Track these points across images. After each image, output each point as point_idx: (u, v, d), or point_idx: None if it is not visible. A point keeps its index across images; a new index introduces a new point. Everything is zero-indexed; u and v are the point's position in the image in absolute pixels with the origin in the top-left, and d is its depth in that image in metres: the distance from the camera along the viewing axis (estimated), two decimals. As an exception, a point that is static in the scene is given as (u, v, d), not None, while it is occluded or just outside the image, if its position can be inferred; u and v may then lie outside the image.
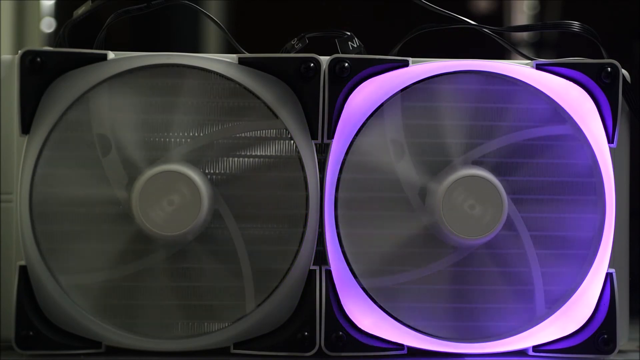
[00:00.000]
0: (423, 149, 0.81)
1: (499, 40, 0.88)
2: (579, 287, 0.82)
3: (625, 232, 0.84)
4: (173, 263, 0.80)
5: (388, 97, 0.81)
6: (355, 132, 0.81)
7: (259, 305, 0.80)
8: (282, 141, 0.81)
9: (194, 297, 0.80)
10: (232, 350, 0.80)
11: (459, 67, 0.81)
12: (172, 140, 0.80)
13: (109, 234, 0.79)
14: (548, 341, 0.82)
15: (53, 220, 0.79)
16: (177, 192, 0.78)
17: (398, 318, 0.81)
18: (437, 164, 0.81)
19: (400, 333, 0.81)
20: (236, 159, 0.81)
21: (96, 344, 0.80)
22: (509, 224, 0.81)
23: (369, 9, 1.58)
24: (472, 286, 0.81)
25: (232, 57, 0.81)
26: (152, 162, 0.79)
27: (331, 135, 0.81)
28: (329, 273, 0.81)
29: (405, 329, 0.81)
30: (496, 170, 0.81)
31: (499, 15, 1.63)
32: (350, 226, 0.81)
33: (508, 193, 0.80)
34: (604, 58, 0.83)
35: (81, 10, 0.84)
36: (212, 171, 0.80)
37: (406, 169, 0.81)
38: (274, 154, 0.81)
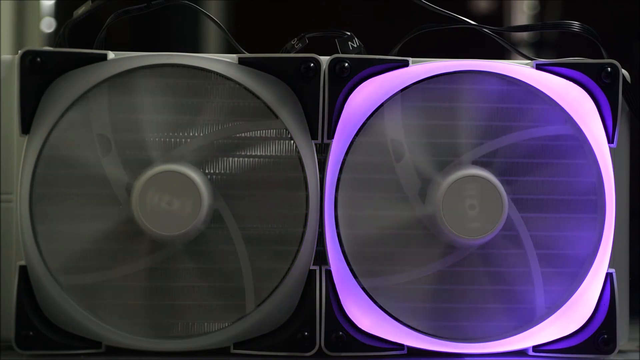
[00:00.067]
0: (423, 149, 0.81)
1: (499, 40, 0.88)
2: (579, 287, 0.82)
3: (625, 232, 0.84)
4: (173, 263, 0.80)
5: (388, 97, 0.81)
6: (355, 132, 0.81)
7: (259, 305, 0.80)
8: (282, 141, 0.81)
9: (194, 297, 0.80)
10: (232, 350, 0.80)
11: (459, 67, 0.81)
12: (172, 140, 0.80)
13: (109, 234, 0.79)
14: (548, 341, 0.82)
15: (53, 220, 0.79)
16: (177, 192, 0.78)
17: (398, 318, 0.81)
18: (437, 164, 0.81)
19: (400, 333, 0.81)
20: (236, 159, 0.81)
21: (96, 344, 0.80)
22: (509, 224, 0.81)
23: (369, 9, 1.58)
24: (472, 286, 0.81)
25: (232, 57, 0.81)
26: (152, 162, 0.79)
27: (331, 135, 0.81)
28: (329, 273, 0.81)
29: (405, 329, 0.81)
30: (496, 170, 0.81)
31: (499, 15, 1.63)
32: (350, 226, 0.81)
33: (508, 193, 0.80)
34: (604, 58, 0.83)
35: (81, 10, 0.84)
36: (212, 171, 0.80)
37: (406, 169, 0.81)
38: (274, 154, 0.81)
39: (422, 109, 0.81)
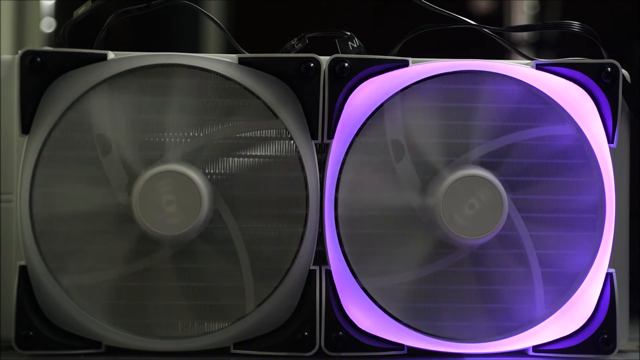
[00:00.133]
0: (423, 149, 0.81)
1: (499, 40, 0.88)
2: (579, 287, 0.82)
3: (625, 232, 0.84)
4: (173, 263, 0.80)
5: (388, 97, 0.81)
6: (355, 132, 0.81)
7: (259, 305, 0.80)
8: (282, 141, 0.81)
9: (194, 297, 0.80)
10: (232, 350, 0.80)
11: (459, 67, 0.81)
12: (172, 140, 0.80)
13: (109, 234, 0.79)
14: (548, 341, 0.82)
15: (53, 220, 0.79)
16: (177, 192, 0.78)
17: (398, 318, 0.81)
18: (437, 164, 0.81)
19: (400, 333, 0.81)
20: (236, 159, 0.81)
21: (96, 344, 0.80)
22: (509, 224, 0.81)
23: (369, 9, 1.58)
24: (472, 286, 0.81)
25: (232, 57, 0.81)
26: (152, 162, 0.79)
27: (331, 135, 0.81)
28: (329, 273, 0.81)
29: (405, 329, 0.81)
30: (496, 170, 0.81)
31: (499, 15, 1.63)
32: (350, 226, 0.81)
33: (508, 193, 0.80)
34: (604, 58, 0.83)
35: (81, 10, 0.84)
36: (212, 171, 0.80)
37: (406, 169, 0.81)
38: (274, 154, 0.81)
39: (422, 109, 0.81)
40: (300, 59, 0.80)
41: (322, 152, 0.81)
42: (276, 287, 0.80)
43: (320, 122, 0.80)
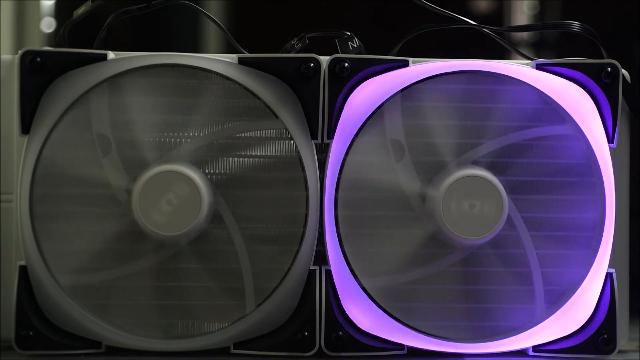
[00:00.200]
0: (423, 149, 0.81)
1: (499, 40, 0.88)
2: (579, 287, 0.82)
3: (625, 232, 0.84)
4: (173, 263, 0.80)
5: (388, 97, 0.81)
6: (355, 132, 0.81)
7: (259, 305, 0.80)
8: (282, 141, 0.81)
9: (194, 297, 0.80)
10: (232, 350, 0.80)
11: (459, 67, 0.81)
12: (172, 140, 0.80)
13: (109, 234, 0.79)
14: (548, 341, 0.82)
15: (53, 220, 0.79)
16: (177, 192, 0.78)
17: (398, 318, 0.81)
18: (437, 163, 0.81)
19: (400, 333, 0.81)
20: (236, 159, 0.81)
21: (96, 344, 0.80)
22: (509, 224, 0.81)
23: (369, 9, 1.58)
24: (472, 286, 0.81)
25: (232, 57, 0.81)
26: (152, 162, 0.79)
27: (331, 135, 0.81)
28: (329, 273, 0.81)
29: (405, 329, 0.81)
30: (496, 170, 0.81)
31: (499, 15, 1.63)
32: (350, 226, 0.81)
33: (508, 193, 0.80)
34: (604, 58, 0.83)
35: (81, 10, 0.84)
36: (212, 171, 0.80)
37: (406, 169, 0.81)
38: (274, 154, 0.81)
39: (422, 109, 0.81)
40: (300, 59, 0.80)
41: (322, 152, 0.81)
42: (276, 287, 0.80)
43: (320, 122, 0.80)
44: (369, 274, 0.81)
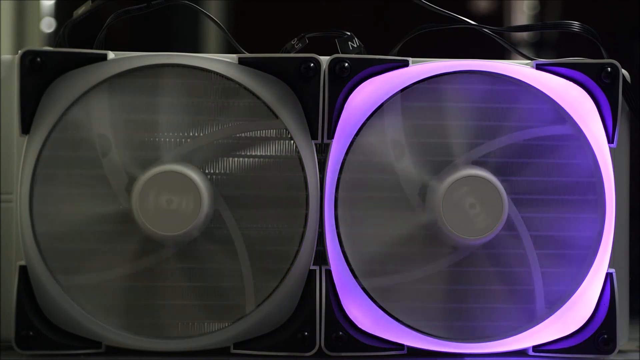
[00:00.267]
0: (423, 149, 0.81)
1: (499, 40, 0.88)
2: (579, 287, 0.82)
3: (625, 232, 0.84)
4: (173, 263, 0.80)
5: (388, 97, 0.81)
6: (355, 132, 0.81)
7: (259, 305, 0.80)
8: (282, 141, 0.81)
9: (194, 297, 0.80)
10: (232, 350, 0.80)
11: (459, 67, 0.81)
12: (172, 140, 0.80)
13: (109, 234, 0.79)
14: (548, 341, 0.82)
15: (53, 220, 0.79)
16: (177, 192, 0.78)
17: (398, 318, 0.81)
18: (437, 163, 0.81)
19: (400, 333, 0.81)
20: (236, 159, 0.81)
21: (96, 344, 0.80)
22: (509, 224, 0.81)
23: (369, 9, 1.58)
24: (472, 286, 0.81)
25: (232, 57, 0.81)
26: (152, 162, 0.79)
27: (331, 135, 0.81)
28: (329, 273, 0.81)
29: (405, 329, 0.81)
30: (496, 170, 0.81)
31: (499, 15, 1.63)
32: (350, 226, 0.81)
33: (508, 193, 0.80)
34: (604, 58, 0.83)
35: (81, 10, 0.84)
36: (212, 171, 0.80)
37: (406, 169, 0.81)
38: (274, 154, 0.81)
39: (422, 109, 0.81)
40: (300, 59, 0.80)
41: (322, 152, 0.81)
42: (276, 287, 0.80)
43: (320, 122, 0.80)
44: (369, 274, 0.81)
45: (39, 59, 0.79)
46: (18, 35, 1.54)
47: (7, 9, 1.51)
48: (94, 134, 0.80)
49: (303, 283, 0.80)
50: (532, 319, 0.82)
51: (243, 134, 0.80)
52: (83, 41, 0.83)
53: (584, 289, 0.82)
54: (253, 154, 0.81)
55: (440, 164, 0.81)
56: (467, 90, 0.81)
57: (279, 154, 0.81)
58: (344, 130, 0.81)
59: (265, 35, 1.18)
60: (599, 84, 0.81)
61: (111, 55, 0.81)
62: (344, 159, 0.81)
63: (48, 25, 1.55)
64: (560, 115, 0.82)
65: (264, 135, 0.81)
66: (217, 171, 0.80)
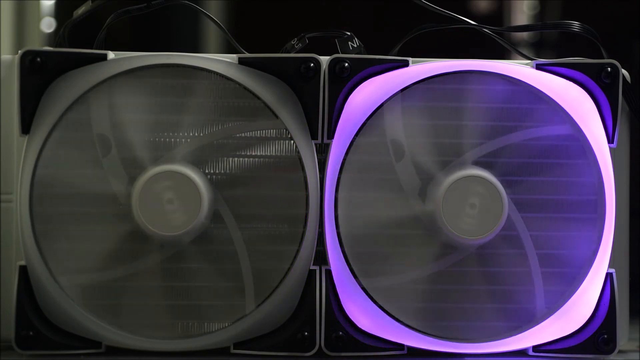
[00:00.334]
0: (423, 149, 0.81)
1: (499, 40, 0.88)
2: (579, 287, 0.82)
3: (625, 232, 0.84)
4: (173, 263, 0.80)
5: (388, 97, 0.81)
6: (355, 132, 0.81)
7: (259, 305, 0.80)
8: (282, 141, 0.81)
9: (194, 297, 0.80)
10: (232, 350, 0.80)
11: (459, 67, 0.81)
12: (172, 140, 0.80)
13: (109, 234, 0.79)
14: (548, 341, 0.82)
15: (53, 220, 0.79)
16: (177, 192, 0.78)
17: (398, 318, 0.81)
18: (437, 164, 0.81)
19: (400, 333, 0.81)
20: (236, 159, 0.81)
21: (96, 344, 0.80)
22: (509, 224, 0.81)
23: (369, 9, 1.58)
24: (472, 286, 0.81)
25: (232, 57, 0.81)
26: (152, 162, 0.79)
27: (331, 135, 0.81)
28: (329, 273, 0.81)
29: (405, 329, 0.81)
30: (496, 170, 0.81)
31: (499, 15, 1.63)
32: (350, 226, 0.81)
33: (508, 193, 0.80)
34: (604, 58, 0.83)
35: (81, 10, 0.84)
36: (212, 171, 0.80)
37: (406, 169, 0.81)
38: (274, 154, 0.81)
39: (422, 109, 0.81)
40: (300, 59, 0.80)
41: (322, 152, 0.81)
42: (276, 287, 0.80)
43: (320, 122, 0.80)
44: (369, 274, 0.81)
45: (39, 59, 0.79)
46: (18, 35, 1.54)
47: (7, 9, 1.51)
48: (94, 134, 0.80)
49: (303, 283, 0.80)
50: (532, 319, 0.82)
51: (243, 134, 0.80)
52: (83, 41, 0.83)
53: (584, 289, 0.82)
54: (253, 154, 0.81)
55: (441, 164, 0.81)
56: (466, 90, 0.81)
57: (279, 154, 0.81)
58: (344, 130, 0.81)
59: (265, 35, 1.18)
60: (599, 84, 0.81)
61: (111, 55, 0.81)
62: (344, 159, 0.81)
63: (48, 25, 1.55)
64: (560, 115, 0.82)
65: (264, 135, 0.81)
66: (217, 171, 0.80)
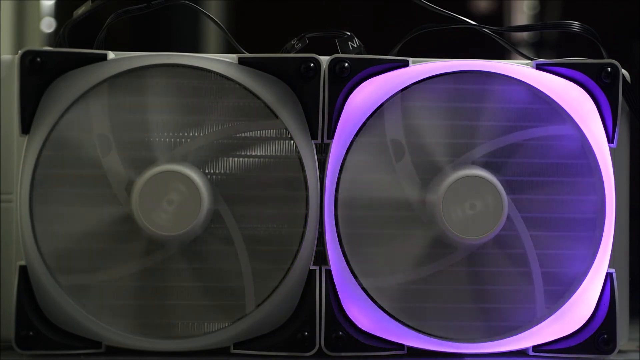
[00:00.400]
0: (423, 149, 0.81)
1: (499, 40, 0.88)
2: (579, 287, 0.82)
3: (625, 232, 0.84)
4: (173, 263, 0.80)
5: (388, 97, 0.81)
6: (355, 132, 0.81)
7: (259, 305, 0.80)
8: (282, 141, 0.81)
9: (194, 297, 0.80)
10: (232, 350, 0.80)
11: (459, 67, 0.81)
12: (172, 140, 0.80)
13: (109, 234, 0.79)
14: (548, 341, 0.82)
15: (53, 220, 0.79)
16: (177, 192, 0.78)
17: (398, 318, 0.81)
18: (437, 164, 0.81)
19: (400, 333, 0.81)
20: (236, 159, 0.81)
21: (96, 344, 0.80)
22: (509, 224, 0.81)
23: (369, 9, 1.58)
24: (472, 286, 0.81)
25: (232, 57, 0.81)
26: (152, 162, 0.79)
27: (331, 135, 0.81)
28: (329, 273, 0.81)
29: (405, 329, 0.81)
30: (496, 170, 0.81)
31: (499, 15, 1.63)
32: (350, 226, 0.81)
33: (508, 193, 0.80)
34: (604, 58, 0.83)
35: (81, 10, 0.84)
36: (212, 171, 0.80)
37: (406, 169, 0.81)
38: (274, 154, 0.81)
39: (422, 109, 0.81)
40: (300, 59, 0.80)
41: (322, 152, 0.81)
42: (276, 287, 0.80)
43: (320, 122, 0.80)
44: (369, 274, 0.81)
45: (39, 59, 0.79)
46: (18, 35, 1.54)
47: (7, 9, 1.51)
48: (94, 134, 0.79)
49: (303, 283, 0.80)
50: (532, 319, 0.82)
51: (243, 134, 0.80)
52: (83, 41, 0.83)
53: (584, 289, 0.82)
54: (253, 154, 0.81)
55: (440, 163, 0.81)
56: (466, 90, 0.81)
57: (279, 154, 0.81)
58: (344, 130, 0.81)
59: (265, 35, 1.18)
60: (599, 84, 0.81)
61: (111, 55, 0.81)
62: (344, 159, 0.81)
63: (48, 25, 1.55)
64: (560, 115, 0.82)
65: (264, 135, 0.81)
66: (217, 171, 0.80)
